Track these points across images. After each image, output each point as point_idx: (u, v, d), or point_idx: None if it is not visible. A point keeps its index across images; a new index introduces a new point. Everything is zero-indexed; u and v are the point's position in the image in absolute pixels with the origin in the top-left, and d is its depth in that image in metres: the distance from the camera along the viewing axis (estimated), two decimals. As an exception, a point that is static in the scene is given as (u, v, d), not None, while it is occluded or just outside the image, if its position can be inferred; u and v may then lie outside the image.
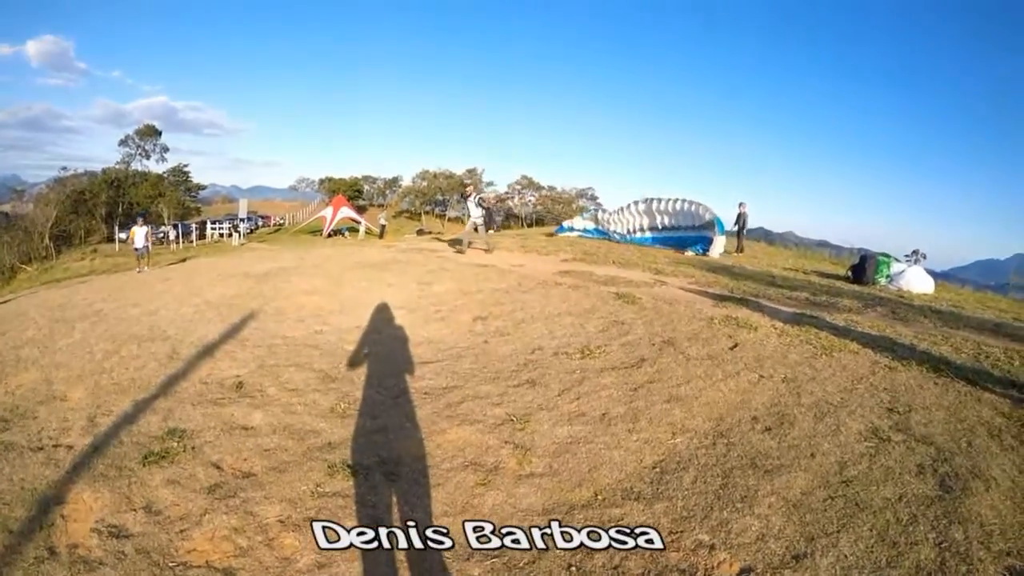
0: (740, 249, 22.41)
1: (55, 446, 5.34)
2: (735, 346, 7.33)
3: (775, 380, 6.19)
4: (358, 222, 44.62)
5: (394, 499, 4.30)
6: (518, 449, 4.98)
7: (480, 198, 18.58)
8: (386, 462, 4.83)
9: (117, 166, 62.73)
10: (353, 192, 76.80)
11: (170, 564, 3.75)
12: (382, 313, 9.41)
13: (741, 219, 22.71)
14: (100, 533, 4.04)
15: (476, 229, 18.07)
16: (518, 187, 77.58)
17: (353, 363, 7.20)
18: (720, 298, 10.53)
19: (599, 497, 4.24)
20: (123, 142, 64.03)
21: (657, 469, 4.60)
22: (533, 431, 5.29)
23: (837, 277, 16.14)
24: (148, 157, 64.90)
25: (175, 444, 5.17)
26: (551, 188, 76.19)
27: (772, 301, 10.68)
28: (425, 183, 77.01)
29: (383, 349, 7.84)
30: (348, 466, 4.74)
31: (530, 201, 76.33)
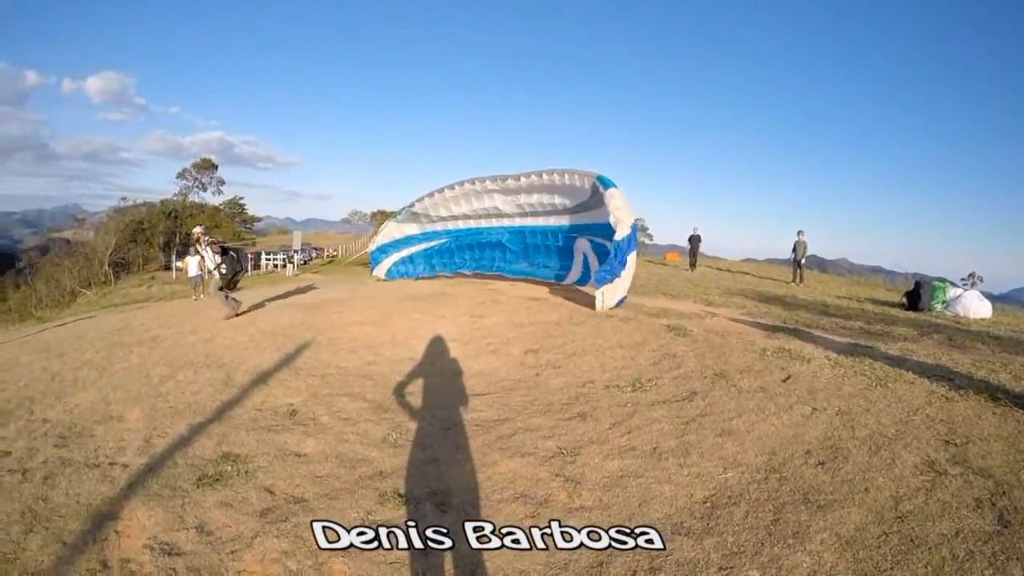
0: (800, 279, 22.12)
1: (111, 464, 5.54)
2: (788, 378, 7.25)
3: (829, 413, 6.10)
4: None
5: (445, 530, 4.32)
6: (568, 482, 4.99)
7: (212, 241, 13.49)
8: (437, 492, 4.89)
9: (175, 197, 64.65)
10: (405, 224, 77.53)
11: (220, 584, 3.86)
12: (434, 345, 9.54)
13: (800, 248, 22.37)
14: (152, 550, 4.17)
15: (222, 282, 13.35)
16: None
17: (405, 394, 7.31)
18: (772, 329, 10.48)
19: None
20: (180, 175, 65.97)
21: (708, 504, 4.57)
22: (584, 464, 5.30)
23: (892, 304, 15.91)
24: (205, 189, 66.78)
25: (229, 468, 5.33)
26: None
27: (825, 331, 10.60)
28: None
29: (435, 381, 7.94)
30: (399, 495, 4.81)
31: None
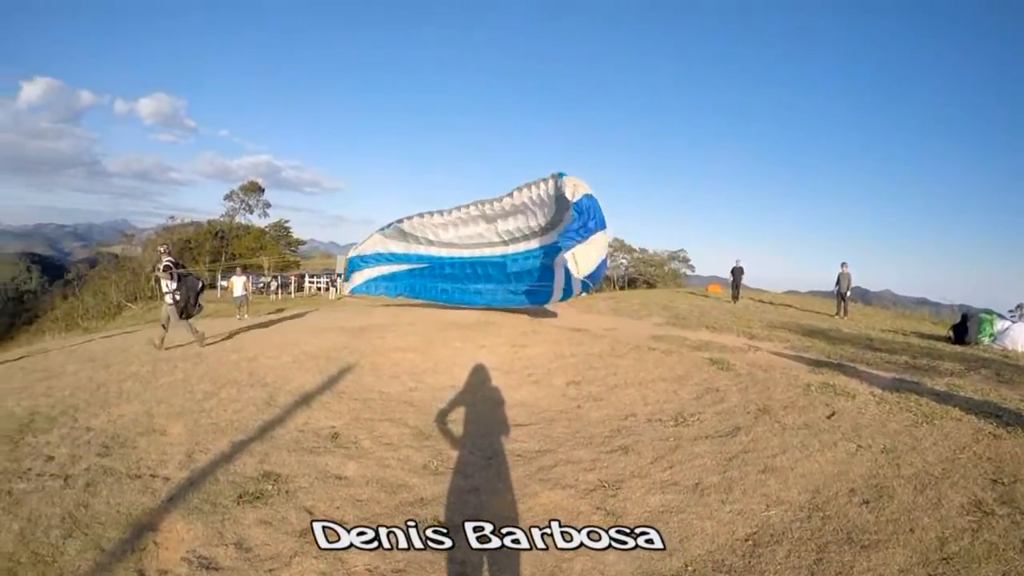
0: (844, 312, 21.66)
1: (152, 476, 5.62)
2: (832, 414, 7.15)
3: (873, 450, 5.99)
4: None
5: (483, 559, 4.29)
6: (609, 516, 4.93)
7: (171, 263, 12.05)
8: (476, 522, 4.84)
9: (221, 218, 65.79)
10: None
11: (256, 601, 3.86)
12: (476, 374, 9.56)
13: (844, 280, 21.99)
14: (190, 563, 4.21)
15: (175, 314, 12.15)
16: (610, 249, 76.96)
17: (447, 422, 7.32)
18: (816, 364, 10.31)
19: (689, 568, 4.15)
20: (228, 196, 67.23)
21: (750, 542, 4.49)
22: (625, 498, 5.24)
23: (938, 338, 15.52)
24: (251, 211, 67.81)
25: (269, 487, 5.37)
26: (643, 250, 75.51)
27: (870, 366, 10.40)
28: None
29: (477, 409, 7.94)
30: (439, 523, 4.78)
31: (622, 264, 75.87)
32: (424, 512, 4.97)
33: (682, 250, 75.77)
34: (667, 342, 12.57)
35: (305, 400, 7.99)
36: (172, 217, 63.06)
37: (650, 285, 64.86)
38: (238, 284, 21.14)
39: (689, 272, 74.70)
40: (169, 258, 12.21)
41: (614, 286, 68.99)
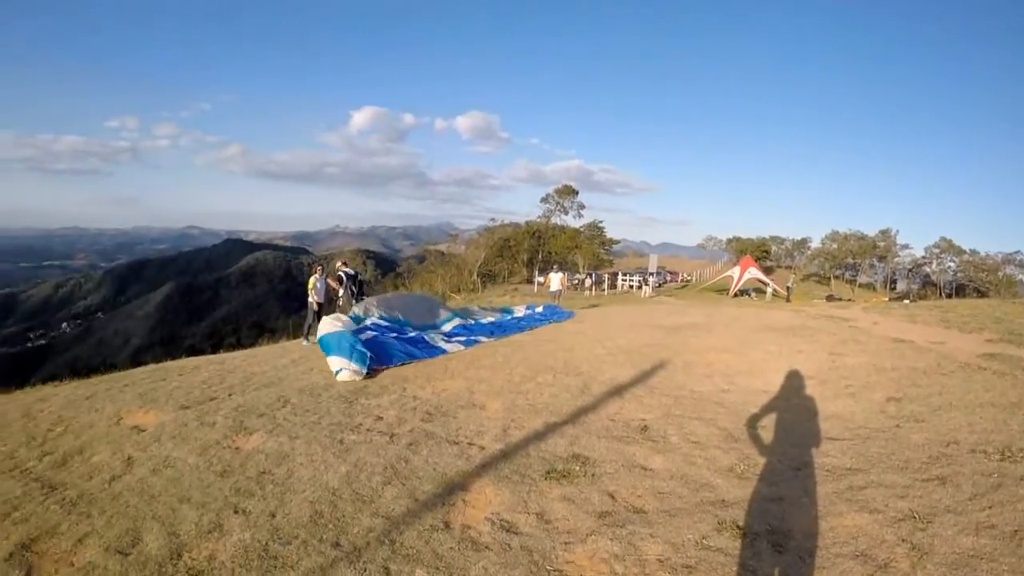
0: None
1: (469, 444, 6.29)
2: None
3: None
4: (765, 284, 44.16)
5: (776, 571, 4.19)
6: (914, 550, 4.49)
7: (348, 273, 12.76)
8: (776, 532, 4.73)
9: (538, 219, 69.40)
10: (760, 253, 74.92)
11: (548, 568, 4.13)
12: (790, 380, 9.26)
13: None
14: (492, 523, 4.65)
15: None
16: (936, 251, 69.58)
17: (757, 426, 7.19)
18: None
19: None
20: (544, 199, 70.69)
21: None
22: (934, 534, 4.73)
23: None
24: (566, 213, 70.74)
25: (576, 467, 5.70)
26: (974, 252, 67.13)
27: None
28: (835, 245, 73.16)
29: (788, 417, 7.68)
30: (737, 527, 4.75)
31: (950, 268, 68.24)
32: (724, 514, 4.95)
33: (1019, 252, 66.43)
34: (1000, 361, 11.06)
35: (617, 391, 8.33)
36: (492, 219, 67.73)
37: (981, 293, 58.14)
38: (555, 280, 22.43)
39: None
40: (347, 269, 12.88)
41: (940, 293, 62.74)
